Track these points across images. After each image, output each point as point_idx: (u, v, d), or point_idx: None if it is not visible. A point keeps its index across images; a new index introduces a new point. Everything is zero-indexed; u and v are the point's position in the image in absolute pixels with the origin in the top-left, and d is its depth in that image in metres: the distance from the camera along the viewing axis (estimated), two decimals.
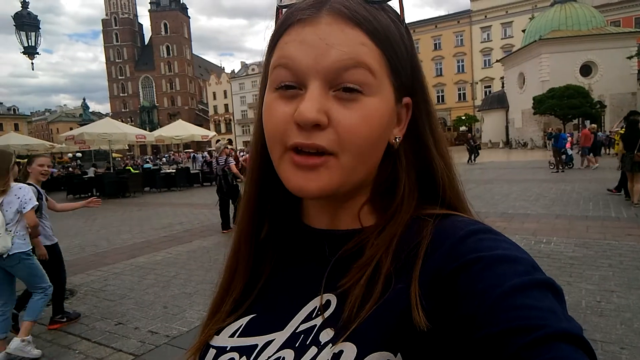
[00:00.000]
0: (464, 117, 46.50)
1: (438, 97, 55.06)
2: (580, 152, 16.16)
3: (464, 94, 54.35)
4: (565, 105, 27.14)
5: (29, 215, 3.35)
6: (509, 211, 8.18)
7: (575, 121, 28.54)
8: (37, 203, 3.51)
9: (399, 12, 0.47)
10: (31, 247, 3.45)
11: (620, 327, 3.20)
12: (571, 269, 4.55)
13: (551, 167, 15.52)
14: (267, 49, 0.48)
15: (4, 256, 3.23)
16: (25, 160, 4.21)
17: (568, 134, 17.60)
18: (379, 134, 0.45)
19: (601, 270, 4.45)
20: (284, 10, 0.47)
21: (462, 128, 45.98)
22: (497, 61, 44.49)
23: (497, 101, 41.31)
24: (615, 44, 32.07)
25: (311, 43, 0.42)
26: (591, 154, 15.52)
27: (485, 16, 51.45)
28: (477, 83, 52.54)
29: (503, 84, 42.72)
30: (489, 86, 51.21)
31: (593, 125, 18.20)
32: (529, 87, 34.71)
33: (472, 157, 21.16)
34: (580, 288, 4.00)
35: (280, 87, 0.44)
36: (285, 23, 0.44)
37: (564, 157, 15.43)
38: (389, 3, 0.46)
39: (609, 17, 38.20)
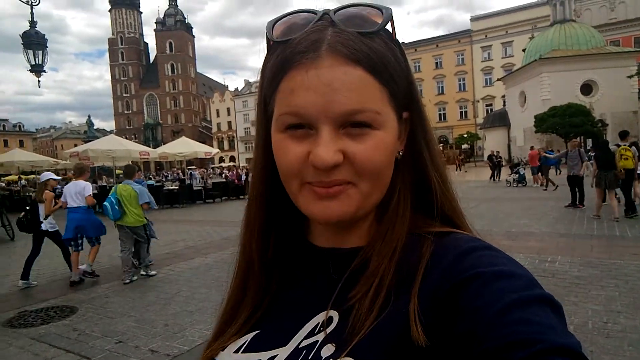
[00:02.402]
0: (465, 135, 46.68)
1: (440, 115, 55.46)
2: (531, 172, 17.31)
3: (466, 112, 54.71)
4: (567, 123, 27.30)
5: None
6: (512, 229, 8.14)
7: (577, 140, 28.60)
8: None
9: (391, 32, 0.47)
10: None
11: (627, 349, 3.14)
12: (577, 289, 4.50)
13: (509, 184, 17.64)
14: (266, 82, 0.48)
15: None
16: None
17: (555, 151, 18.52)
18: (389, 159, 0.47)
19: (607, 291, 4.39)
20: (279, 44, 0.46)
21: (464, 146, 46.08)
22: (498, 80, 44.93)
23: (499, 119, 41.56)
24: (616, 63, 32.43)
25: (317, 90, 0.42)
26: (539, 173, 16.56)
27: (486, 36, 52.20)
28: (478, 101, 52.94)
29: (504, 102, 43.05)
30: (491, 104, 51.59)
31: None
32: (530, 106, 34.95)
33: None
34: (587, 309, 3.94)
35: (289, 128, 0.45)
36: (285, 65, 0.45)
37: (516, 175, 17.51)
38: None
39: (608, 36, 38.67)
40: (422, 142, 0.51)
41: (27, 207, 6.33)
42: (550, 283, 4.65)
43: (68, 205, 5.95)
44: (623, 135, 9.06)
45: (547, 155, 15.87)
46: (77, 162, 7.24)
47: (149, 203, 6.05)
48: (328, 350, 0.44)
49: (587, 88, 33.52)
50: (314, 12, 0.47)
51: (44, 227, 6.03)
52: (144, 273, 6.13)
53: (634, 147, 8.76)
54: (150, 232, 6.33)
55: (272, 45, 0.48)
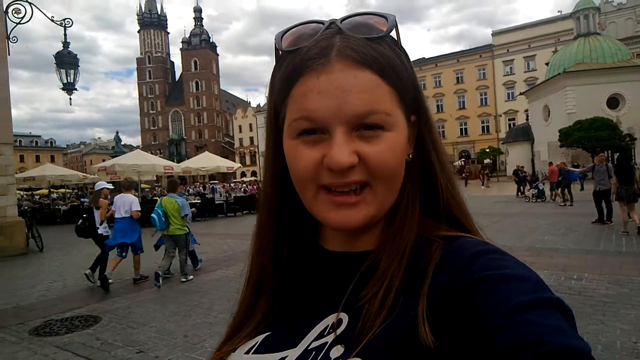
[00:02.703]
0: (487, 150, 45.99)
1: (461, 129, 54.92)
2: (550, 187, 17.09)
3: (488, 126, 53.99)
4: (593, 137, 26.54)
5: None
6: (536, 245, 7.93)
7: (604, 154, 27.79)
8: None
9: (396, 39, 0.49)
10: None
11: None
12: (605, 308, 4.34)
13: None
14: (276, 92, 0.49)
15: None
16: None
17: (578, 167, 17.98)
18: (401, 161, 0.49)
19: (637, 310, 4.22)
20: (288, 54, 0.48)
21: (487, 160, 45.35)
22: (521, 94, 44.27)
23: (522, 134, 40.79)
24: None
25: (329, 93, 0.44)
26: (559, 189, 16.09)
27: (508, 50, 51.73)
28: (500, 115, 52.21)
29: (527, 116, 42.29)
30: (513, 119, 50.79)
31: (563, 162, 18.91)
32: (554, 120, 34.23)
33: (522, 189, 20.27)
34: (615, 328, 3.80)
35: (302, 134, 0.46)
36: (296, 72, 0.46)
37: (535, 190, 17.42)
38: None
39: (635, 49, 37.78)
40: (430, 146, 0.52)
41: (85, 215, 7.03)
42: (577, 301, 4.50)
43: (115, 215, 6.63)
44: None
45: (570, 169, 15.61)
46: (125, 178, 8.03)
47: (187, 215, 6.69)
48: (337, 351, 0.45)
49: (613, 101, 32.64)
50: (321, 22, 0.48)
51: (100, 231, 6.70)
52: (184, 279, 6.54)
53: None
54: (191, 240, 7.00)
55: (281, 55, 0.49)
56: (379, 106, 0.44)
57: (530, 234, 9.26)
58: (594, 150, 26.78)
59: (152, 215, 6.41)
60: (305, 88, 0.45)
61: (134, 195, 7.33)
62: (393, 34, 0.48)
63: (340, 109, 0.43)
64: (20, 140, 75.31)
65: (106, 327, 4.64)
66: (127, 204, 6.60)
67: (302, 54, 0.46)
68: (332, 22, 0.48)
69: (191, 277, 6.63)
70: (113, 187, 11.18)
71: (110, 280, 6.37)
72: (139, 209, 6.63)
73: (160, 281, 6.22)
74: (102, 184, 7.21)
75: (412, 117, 0.51)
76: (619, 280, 5.26)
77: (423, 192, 0.53)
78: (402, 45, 0.50)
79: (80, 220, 7.00)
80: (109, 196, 7.45)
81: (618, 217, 9.17)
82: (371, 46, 0.45)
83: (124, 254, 6.55)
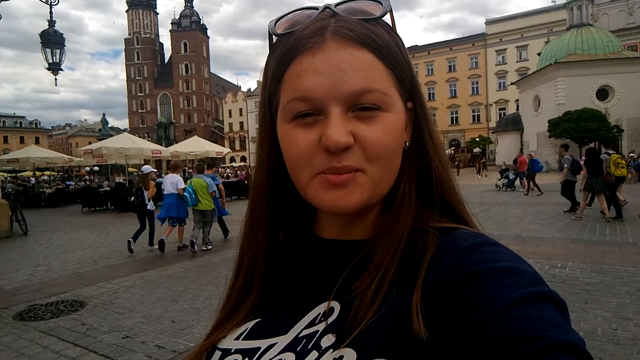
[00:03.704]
0: (477, 139, 46.25)
1: (452, 118, 55.13)
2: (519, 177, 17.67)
3: (478, 115, 54.25)
4: (582, 128, 26.85)
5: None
6: (523, 234, 8.05)
7: (592, 145, 28.19)
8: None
9: (391, 25, 0.48)
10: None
11: (637, 356, 3.08)
12: (587, 295, 4.43)
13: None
14: (269, 78, 0.48)
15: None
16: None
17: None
18: (399, 143, 0.47)
19: (618, 297, 4.32)
20: (281, 38, 0.47)
21: (476, 149, 45.67)
22: (512, 84, 44.45)
23: (512, 123, 41.08)
24: (633, 69, 31.82)
25: (325, 71, 0.42)
26: (525, 179, 16.77)
27: (501, 39, 51.71)
28: (491, 105, 52.47)
29: (518, 106, 42.56)
30: (504, 108, 51.08)
31: (531, 152, 19.60)
32: (544, 110, 34.48)
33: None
34: (597, 315, 3.88)
35: (297, 116, 0.45)
36: (290, 54, 0.45)
37: (505, 180, 18.13)
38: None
39: (626, 42, 38.02)
40: (426, 134, 0.51)
41: (135, 192, 8.29)
42: (560, 289, 4.58)
43: (165, 192, 7.94)
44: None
45: (535, 161, 16.36)
46: (173, 160, 10.11)
47: (215, 191, 7.89)
48: (328, 340, 0.44)
49: (603, 93, 32.94)
50: (315, 8, 0.47)
51: (149, 207, 8.02)
52: (205, 248, 7.68)
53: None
54: (219, 212, 8.33)
55: (275, 42, 0.48)
56: (375, 85, 0.43)
57: (517, 223, 9.39)
58: (582, 141, 27.14)
59: (185, 193, 7.57)
60: (300, 68, 0.44)
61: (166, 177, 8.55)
62: (388, 20, 0.48)
63: (336, 87, 0.42)
64: (4, 121, 73.82)
65: (92, 312, 4.61)
66: (175, 182, 7.88)
67: (295, 35, 0.45)
68: (327, 7, 0.46)
69: (210, 246, 7.77)
70: (156, 170, 12.22)
71: (182, 246, 7.89)
72: (184, 187, 7.76)
73: (195, 247, 7.52)
74: (148, 168, 8.43)
75: (408, 103, 0.50)
76: (601, 269, 5.37)
77: (419, 182, 0.51)
78: (398, 32, 0.49)
79: (133, 197, 8.18)
80: (154, 178, 9.01)
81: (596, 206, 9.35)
82: (367, 27, 0.44)
83: (175, 224, 7.92)
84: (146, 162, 12.59)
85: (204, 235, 7.73)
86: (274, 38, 0.48)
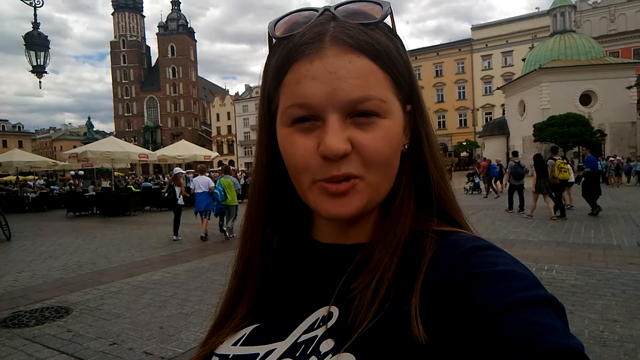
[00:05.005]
0: (464, 143, 46.74)
1: (439, 122, 55.61)
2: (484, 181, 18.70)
3: (465, 120, 54.90)
4: (566, 133, 27.37)
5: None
6: (510, 237, 8.14)
7: (576, 149, 28.71)
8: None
9: (391, 27, 0.48)
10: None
11: (624, 358, 3.13)
12: (573, 298, 4.49)
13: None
14: (269, 80, 0.48)
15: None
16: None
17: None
18: (396, 149, 0.47)
19: (604, 300, 4.39)
20: (280, 41, 0.47)
21: (463, 153, 46.15)
22: (497, 89, 45.09)
23: (498, 127, 41.63)
24: (615, 74, 32.60)
25: (323, 79, 0.42)
26: (489, 182, 17.80)
27: (486, 45, 52.51)
28: (478, 109, 53.12)
29: (504, 110, 43.16)
30: (490, 113, 51.76)
31: (489, 158, 20.65)
32: (529, 115, 35.06)
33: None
34: (583, 317, 3.93)
35: (296, 121, 0.45)
36: (290, 58, 0.45)
37: (472, 184, 19.67)
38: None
39: (608, 48, 38.92)
40: (424, 137, 0.51)
41: (168, 189, 10.14)
42: None
43: (196, 191, 9.41)
44: (555, 150, 11.16)
45: (492, 166, 17.60)
46: (200, 165, 11.44)
47: (239, 189, 9.70)
48: (327, 345, 0.44)
49: (586, 98, 33.65)
50: (314, 9, 0.47)
51: (179, 202, 9.62)
52: (231, 236, 9.20)
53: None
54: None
55: (274, 44, 0.48)
56: (373, 92, 0.43)
57: (505, 227, 9.51)
58: (566, 145, 27.65)
59: (215, 190, 8.91)
60: (299, 74, 0.44)
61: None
62: (388, 21, 0.47)
63: (334, 95, 0.42)
64: None
65: (77, 319, 4.52)
66: (205, 183, 9.39)
67: (295, 40, 0.45)
68: (326, 9, 0.46)
69: (234, 234, 9.16)
70: (184, 171, 13.46)
71: (204, 236, 9.38)
72: (214, 185, 9.24)
73: (227, 234, 9.19)
74: (178, 170, 10.31)
75: (407, 106, 0.50)
76: (587, 272, 5.45)
77: (417, 185, 0.51)
78: (398, 33, 0.49)
79: (167, 194, 10.03)
80: (186, 177, 10.89)
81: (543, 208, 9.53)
82: (366, 32, 0.44)
83: (208, 217, 9.49)
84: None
85: (229, 226, 9.32)
86: (274, 40, 0.48)
